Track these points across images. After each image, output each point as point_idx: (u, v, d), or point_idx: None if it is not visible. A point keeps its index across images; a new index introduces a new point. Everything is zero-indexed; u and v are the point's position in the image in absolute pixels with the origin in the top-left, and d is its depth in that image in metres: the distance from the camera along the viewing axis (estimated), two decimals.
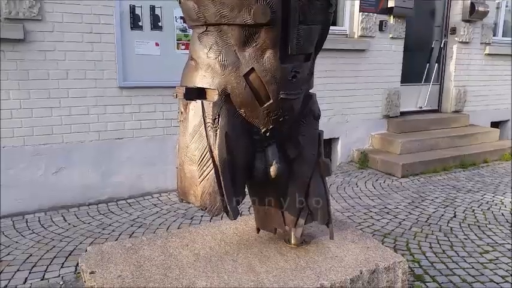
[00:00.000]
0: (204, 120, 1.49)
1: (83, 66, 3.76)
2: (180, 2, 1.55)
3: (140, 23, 3.96)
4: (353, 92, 5.41)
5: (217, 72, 1.48)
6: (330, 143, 5.46)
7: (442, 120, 6.09)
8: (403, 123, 5.74)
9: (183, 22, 4.13)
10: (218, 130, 1.48)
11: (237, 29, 1.40)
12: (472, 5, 6.09)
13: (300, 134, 1.70)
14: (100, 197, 3.99)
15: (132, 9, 3.90)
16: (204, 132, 1.49)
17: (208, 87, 1.51)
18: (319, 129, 1.78)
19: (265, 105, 1.51)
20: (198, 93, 1.52)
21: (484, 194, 4.20)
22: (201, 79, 1.52)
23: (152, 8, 3.99)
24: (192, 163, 1.53)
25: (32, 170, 3.70)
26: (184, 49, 4.20)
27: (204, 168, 1.50)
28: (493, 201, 4.01)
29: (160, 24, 4.05)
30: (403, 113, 5.96)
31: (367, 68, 5.47)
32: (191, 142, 1.52)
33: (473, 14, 6.13)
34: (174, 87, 4.19)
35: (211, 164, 1.49)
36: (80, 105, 3.81)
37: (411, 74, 6.09)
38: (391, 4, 5.38)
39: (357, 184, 4.53)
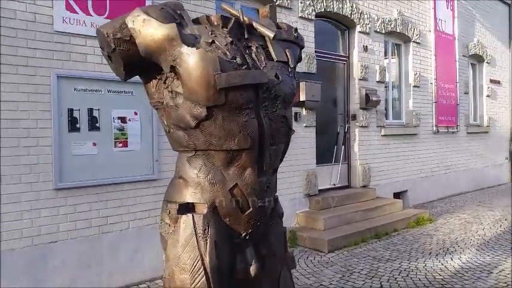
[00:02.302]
0: (195, 231, 1.71)
1: (18, 171, 3.72)
2: (168, 132, 1.82)
3: (78, 125, 4.07)
4: (278, 175, 5.86)
5: (206, 189, 1.74)
6: None
7: (354, 195, 6.80)
8: (322, 200, 6.30)
9: (121, 122, 4.34)
10: (208, 239, 1.71)
11: (223, 153, 1.71)
12: (367, 95, 7.20)
13: (270, 233, 1.98)
14: None
15: (70, 112, 4.03)
16: (196, 243, 1.70)
17: (198, 202, 1.75)
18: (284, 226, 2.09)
19: (246, 213, 1.78)
20: (188, 208, 1.75)
21: (401, 262, 4.75)
22: (192, 195, 1.76)
23: (90, 111, 4.15)
24: (184, 272, 1.70)
25: None
26: (122, 147, 4.35)
27: (196, 275, 1.69)
28: (409, 267, 4.56)
29: (98, 125, 4.19)
30: (320, 191, 6.55)
31: (288, 153, 6.01)
32: (183, 252, 1.71)
33: (368, 103, 7.22)
34: (111, 184, 4.28)
35: (203, 271, 1.69)
36: (13, 211, 3.69)
37: (324, 155, 6.83)
38: (302, 98, 6.16)
39: None
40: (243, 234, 1.83)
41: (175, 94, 1.69)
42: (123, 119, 4.36)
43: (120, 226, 4.36)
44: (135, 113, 4.45)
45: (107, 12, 4.26)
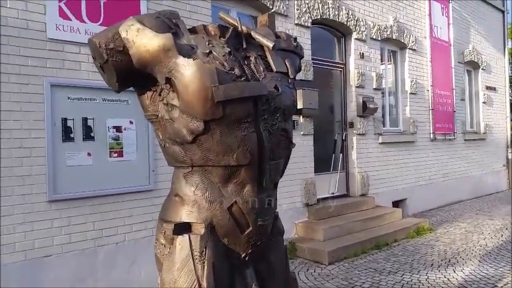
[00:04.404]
0: (192, 253, 1.62)
1: (10, 182, 3.61)
2: (164, 146, 1.73)
3: (72, 135, 3.97)
4: None
5: (203, 208, 1.65)
6: None
7: (353, 204, 6.71)
8: (321, 209, 6.21)
9: (116, 131, 4.24)
10: (206, 261, 1.61)
11: (221, 169, 1.62)
12: (364, 103, 7.14)
13: (270, 251, 1.88)
14: None
15: (64, 122, 3.93)
16: (192, 266, 1.60)
17: (195, 221, 1.66)
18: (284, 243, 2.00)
19: (246, 233, 1.69)
20: (185, 228, 1.66)
21: (403, 274, 4.65)
22: (188, 214, 1.67)
23: (85, 120, 4.05)
24: None
25: None
26: (117, 156, 4.25)
27: None
28: (411, 280, 4.46)
29: (92, 134, 4.10)
30: (319, 200, 6.46)
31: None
32: (179, 276, 1.61)
33: (365, 110, 7.16)
34: (106, 195, 4.17)
35: None
36: (5, 225, 3.58)
37: (322, 164, 6.74)
38: (299, 106, 6.07)
39: None
40: (243, 255, 1.74)
41: (171, 107, 1.61)
42: (118, 128, 4.26)
43: (116, 239, 4.25)
44: (131, 122, 4.35)
45: (101, 19, 4.18)
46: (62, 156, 3.90)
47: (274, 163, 1.74)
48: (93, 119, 4.10)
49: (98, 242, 4.12)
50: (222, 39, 1.71)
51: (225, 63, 1.60)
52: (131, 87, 1.74)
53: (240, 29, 1.77)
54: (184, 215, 1.67)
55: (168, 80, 1.56)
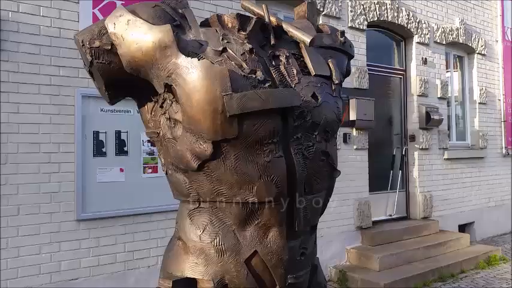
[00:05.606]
0: None
1: (37, 199, 3.41)
2: (166, 173, 1.33)
3: (104, 149, 3.74)
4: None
5: (212, 260, 1.22)
6: None
7: (414, 229, 6.00)
8: (377, 234, 5.59)
9: (151, 145, 3.96)
10: None
11: (237, 206, 1.19)
12: (428, 113, 6.44)
13: None
14: None
15: (96, 135, 3.70)
16: None
17: (200, 277, 1.23)
18: None
19: None
20: (187, 285, 1.24)
21: None
22: (192, 267, 1.24)
23: (118, 133, 3.80)
24: None
25: None
26: (151, 172, 3.98)
27: None
28: None
29: (125, 149, 3.84)
30: (375, 223, 5.84)
31: (337, 180, 5.42)
32: None
33: (429, 122, 6.45)
34: (139, 214, 3.85)
35: None
36: (30, 244, 3.37)
37: (378, 182, 6.12)
38: (352, 117, 5.54)
39: None
40: None
41: (174, 123, 1.20)
42: (153, 142, 3.97)
43: (148, 261, 3.94)
44: None
45: None
46: (92, 172, 3.67)
47: (311, 198, 1.27)
48: (126, 132, 3.85)
49: (128, 265, 3.83)
50: (242, 33, 1.29)
51: (244, 65, 1.17)
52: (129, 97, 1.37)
53: (267, 19, 1.34)
54: (188, 267, 1.25)
55: (169, 87, 1.16)
